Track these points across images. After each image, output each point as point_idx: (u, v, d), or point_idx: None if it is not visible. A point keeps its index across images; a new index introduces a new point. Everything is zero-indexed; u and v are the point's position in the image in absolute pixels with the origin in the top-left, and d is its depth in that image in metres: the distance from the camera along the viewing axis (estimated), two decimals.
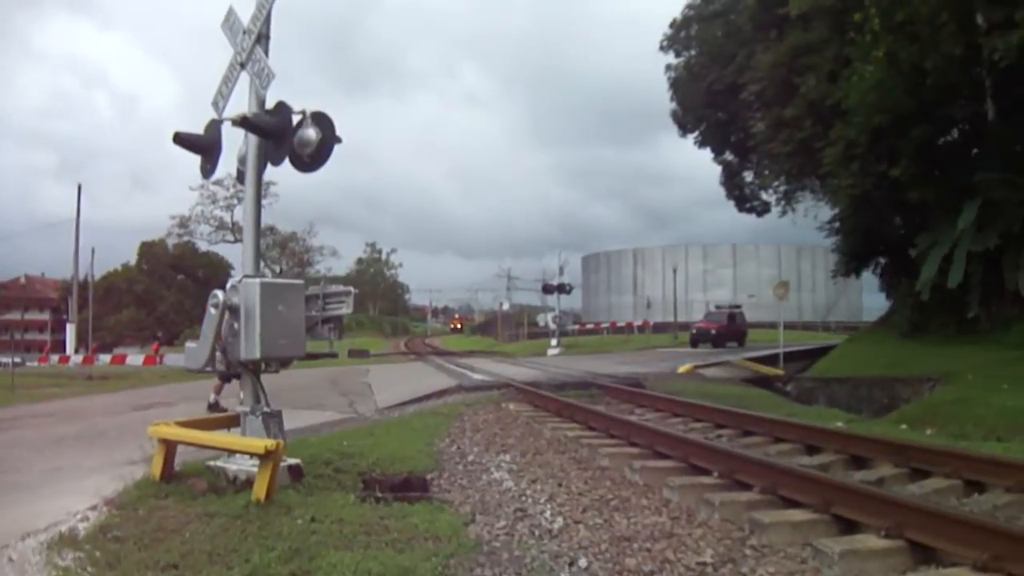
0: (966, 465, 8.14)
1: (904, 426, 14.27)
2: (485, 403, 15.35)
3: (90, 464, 8.88)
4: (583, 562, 5.59)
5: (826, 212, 33.29)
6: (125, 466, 8.22)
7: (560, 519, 6.70)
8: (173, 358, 32.22)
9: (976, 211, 22.36)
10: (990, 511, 6.92)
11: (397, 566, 5.09)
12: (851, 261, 32.09)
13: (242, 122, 7.60)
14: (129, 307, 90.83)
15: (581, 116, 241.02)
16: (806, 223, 36.63)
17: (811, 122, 28.22)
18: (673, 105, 45.16)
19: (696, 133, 44.95)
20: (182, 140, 8.13)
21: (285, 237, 73.04)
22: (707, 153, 45.80)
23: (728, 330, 44.75)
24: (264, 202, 58.39)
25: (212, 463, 7.61)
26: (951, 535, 5.51)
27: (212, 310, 7.29)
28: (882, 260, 31.68)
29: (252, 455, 6.93)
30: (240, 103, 7.99)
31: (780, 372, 28.30)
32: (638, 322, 63.30)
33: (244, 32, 7.88)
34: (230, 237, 69.02)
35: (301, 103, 7.81)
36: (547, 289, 51.64)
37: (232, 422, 7.92)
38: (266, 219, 67.27)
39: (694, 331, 45.28)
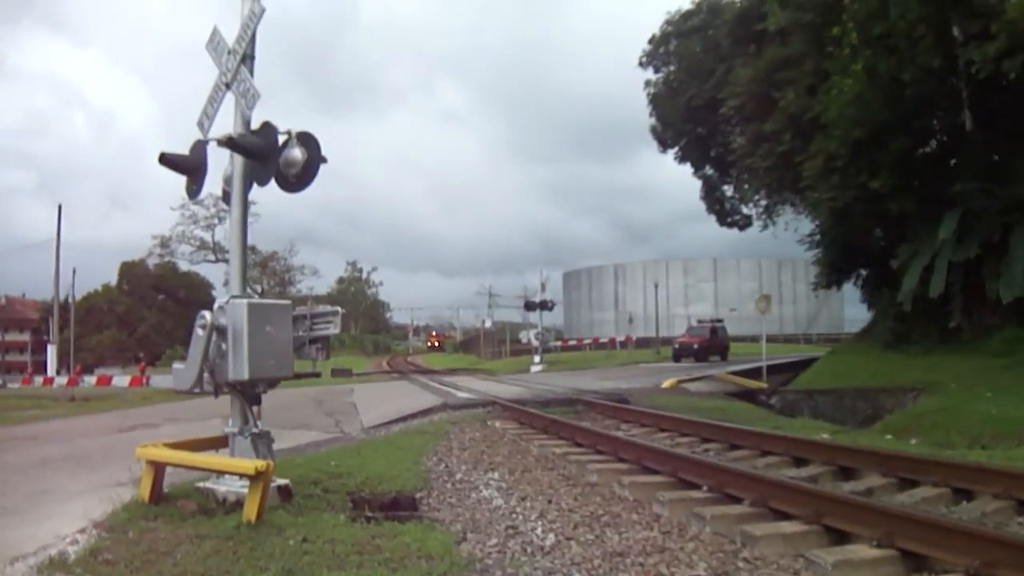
0: (954, 474, 8.21)
1: (889, 436, 14.38)
2: (471, 421, 15.36)
3: (76, 487, 8.77)
4: None
5: (807, 225, 33.58)
6: (112, 488, 8.14)
7: (552, 536, 6.70)
8: (159, 379, 32.06)
9: (956, 221, 22.53)
10: (979, 518, 6.98)
11: None
12: (832, 273, 32.19)
13: (228, 143, 7.60)
14: (110, 328, 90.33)
15: (560, 132, 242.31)
16: (787, 236, 36.83)
17: (791, 136, 28.37)
18: (653, 120, 45.55)
19: (676, 148, 45.27)
20: (168, 161, 8.10)
21: (266, 257, 72.89)
22: (687, 168, 46.25)
23: (711, 344, 44.89)
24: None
25: (201, 484, 7.56)
26: (942, 543, 5.57)
27: (200, 331, 7.25)
28: (863, 272, 31.82)
29: (242, 476, 6.91)
30: (225, 123, 7.99)
31: (764, 385, 28.47)
32: (620, 338, 63.45)
33: (229, 52, 7.88)
34: (211, 257, 68.87)
35: (278, 121, 7.82)
36: (529, 306, 51.66)
37: (220, 443, 7.89)
38: (250, 239, 67.06)
39: (677, 346, 45.50)
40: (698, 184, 46.54)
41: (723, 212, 46.16)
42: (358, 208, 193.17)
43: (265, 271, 74.34)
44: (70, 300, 52.31)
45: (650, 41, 44.91)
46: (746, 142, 32.72)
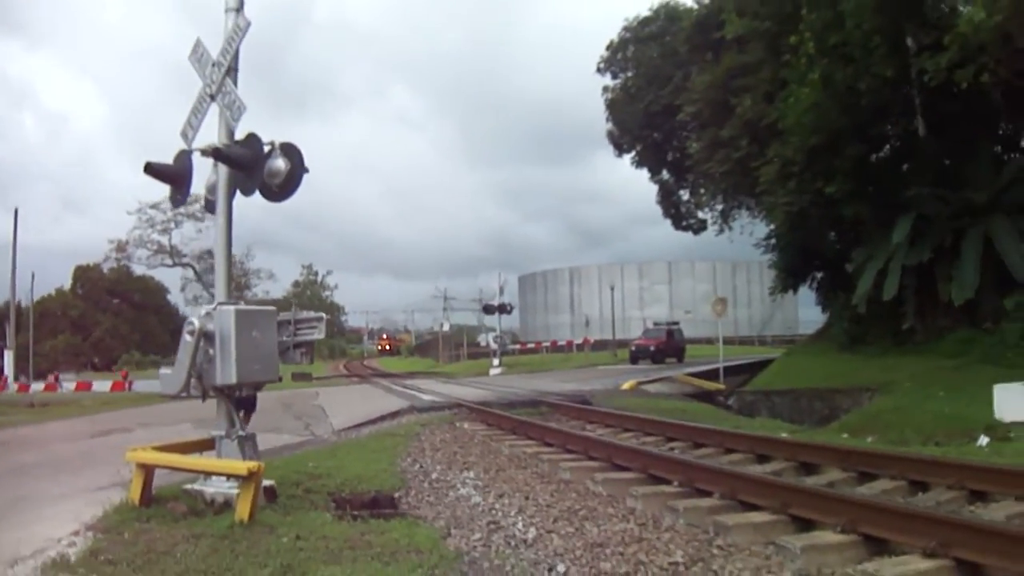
0: (910, 467, 8.66)
1: (846, 435, 14.83)
2: (439, 423, 15.56)
3: (58, 491, 8.86)
4: (561, 567, 5.89)
5: (762, 229, 34.20)
6: (96, 492, 8.29)
7: (533, 529, 6.99)
8: (142, 384, 32.15)
9: (909, 226, 23.18)
10: (935, 506, 7.40)
11: None
12: (788, 277, 32.82)
13: (214, 153, 7.79)
14: (64, 333, 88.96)
15: (515, 137, 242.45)
16: (742, 240, 37.47)
17: (747, 142, 28.94)
18: (609, 126, 45.93)
19: (633, 153, 45.59)
20: (153, 170, 8.27)
21: None
22: (643, 172, 46.60)
23: (667, 346, 45.27)
24: (203, 225, 58.14)
25: (189, 486, 7.72)
26: (901, 527, 5.99)
27: (188, 336, 7.43)
28: (818, 275, 32.49)
29: (232, 477, 7.12)
30: (206, 133, 8.19)
31: (721, 386, 28.93)
32: (577, 340, 63.83)
33: (213, 64, 8.07)
34: (168, 261, 68.05)
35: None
36: (488, 309, 52.06)
37: (207, 446, 8.07)
38: (203, 244, 66.58)
39: (634, 348, 45.83)
40: (654, 187, 47.05)
41: (679, 216, 46.63)
42: (312, 211, 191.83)
43: None
44: (30, 304, 51.29)
45: (608, 47, 45.26)
46: (703, 148, 33.20)
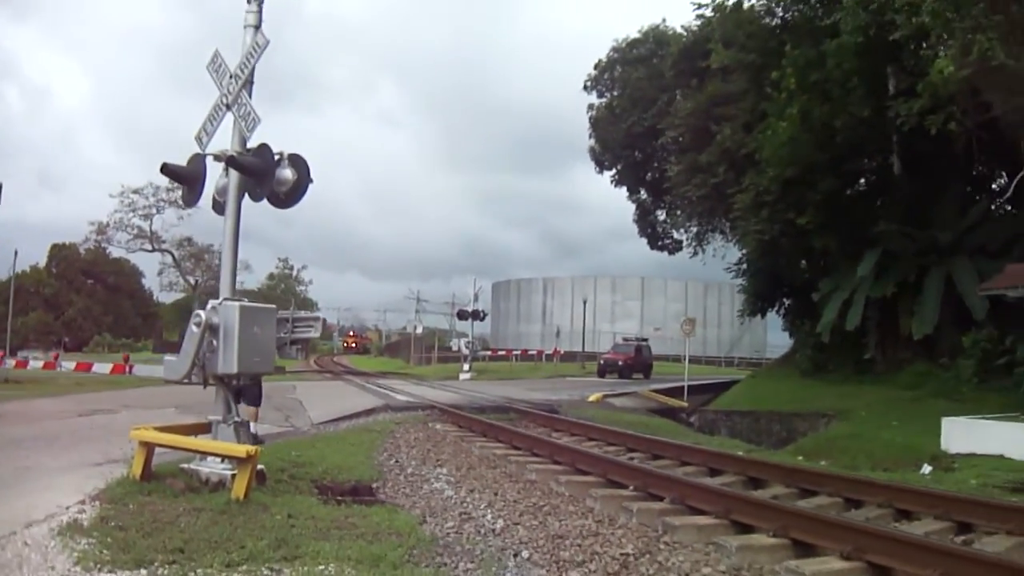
0: (846, 486, 9.54)
1: (801, 458, 15.51)
2: (413, 422, 16.28)
3: (56, 465, 9.39)
4: (525, 554, 6.65)
5: (734, 253, 34.63)
6: (91, 467, 8.89)
7: (501, 521, 7.76)
8: (144, 369, 32.72)
9: (875, 260, 23.96)
10: (863, 521, 8.20)
11: (371, 554, 5.96)
12: (757, 301, 33.48)
13: (229, 161, 8.42)
14: (36, 310, 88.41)
15: (496, 142, 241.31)
16: (715, 262, 38.01)
17: (725, 169, 29.54)
18: (592, 143, 46.25)
19: (613, 171, 45.89)
20: (169, 171, 8.95)
21: (201, 249, 72.16)
22: (622, 190, 46.96)
23: (635, 362, 45.95)
24: (185, 212, 58.36)
25: (185, 466, 8.32)
26: (825, 534, 6.89)
27: (195, 328, 8.06)
28: (786, 301, 33.13)
29: (228, 458, 7.78)
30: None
31: (684, 404, 29.66)
32: (548, 350, 64.33)
33: (231, 76, 8.69)
34: (148, 246, 67.92)
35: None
36: (462, 315, 52.50)
37: (202, 429, 8.70)
38: (184, 231, 66.73)
39: (602, 361, 46.42)
40: (632, 206, 47.47)
41: (655, 235, 47.00)
42: None
43: (199, 264, 73.57)
44: (11, 282, 50.87)
45: (596, 66, 45.67)
46: (681, 171, 33.66)
